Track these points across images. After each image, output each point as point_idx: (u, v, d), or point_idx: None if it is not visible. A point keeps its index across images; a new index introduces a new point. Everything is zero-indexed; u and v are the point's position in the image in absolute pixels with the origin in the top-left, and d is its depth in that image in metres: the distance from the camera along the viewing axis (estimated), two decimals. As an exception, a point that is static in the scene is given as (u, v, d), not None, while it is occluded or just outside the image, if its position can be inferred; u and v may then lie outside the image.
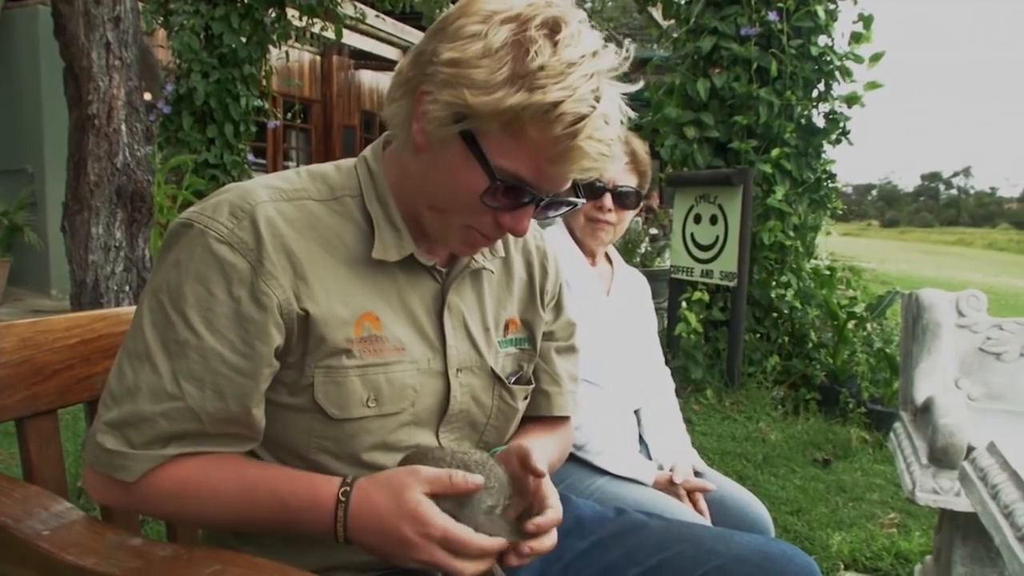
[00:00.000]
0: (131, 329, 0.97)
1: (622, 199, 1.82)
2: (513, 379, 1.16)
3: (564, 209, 1.04)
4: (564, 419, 1.29)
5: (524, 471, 1.00)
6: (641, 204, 1.89)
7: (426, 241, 1.07)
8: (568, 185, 0.99)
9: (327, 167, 1.07)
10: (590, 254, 1.89)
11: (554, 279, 1.26)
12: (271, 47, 6.77)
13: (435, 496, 0.91)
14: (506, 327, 1.17)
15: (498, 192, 0.94)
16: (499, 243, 1.18)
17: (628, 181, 1.84)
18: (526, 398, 1.20)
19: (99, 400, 1.00)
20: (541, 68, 0.88)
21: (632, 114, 0.99)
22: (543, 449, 1.16)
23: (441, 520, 0.89)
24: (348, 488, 0.93)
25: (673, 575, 1.10)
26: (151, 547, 0.91)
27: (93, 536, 0.93)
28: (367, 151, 1.09)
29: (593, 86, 0.90)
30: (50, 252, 6.95)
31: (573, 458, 1.67)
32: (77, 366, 1.17)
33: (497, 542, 0.93)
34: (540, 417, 1.26)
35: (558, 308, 1.27)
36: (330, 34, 7.44)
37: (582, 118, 0.88)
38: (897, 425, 2.18)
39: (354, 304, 0.99)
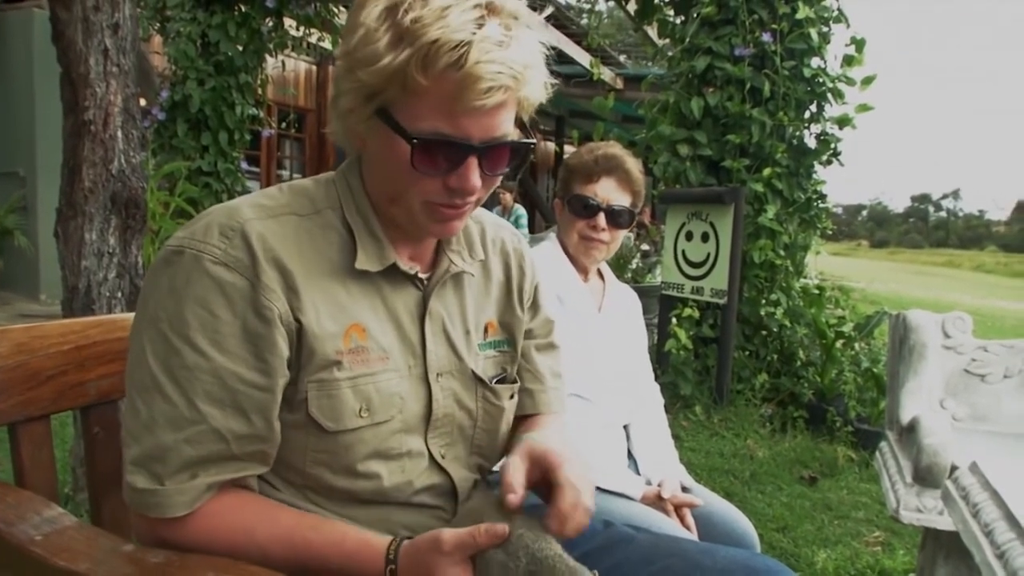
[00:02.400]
0: (132, 364, 0.97)
1: (615, 218, 1.84)
2: (495, 380, 1.17)
3: (514, 158, 1.03)
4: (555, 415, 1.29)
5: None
6: (634, 221, 1.92)
7: (408, 248, 1.09)
8: (503, 129, 0.98)
9: (307, 182, 1.09)
10: (583, 271, 1.91)
11: (531, 279, 1.27)
12: (267, 56, 6.79)
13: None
14: (485, 330, 1.19)
15: (424, 154, 0.95)
16: (478, 245, 1.19)
17: (622, 200, 1.86)
18: (512, 396, 1.21)
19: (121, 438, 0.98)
20: (416, 20, 0.89)
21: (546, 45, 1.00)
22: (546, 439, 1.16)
23: None
24: (394, 567, 0.93)
25: (660, 588, 1.12)
26: (143, 553, 0.92)
27: (86, 542, 0.94)
28: (344, 165, 1.11)
29: (472, 16, 0.90)
30: (40, 256, 6.93)
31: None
32: (71, 372, 1.17)
33: None
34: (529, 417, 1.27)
35: (535, 307, 1.28)
36: (327, 44, 7.47)
37: (462, 44, 0.89)
38: (883, 444, 2.20)
39: (342, 316, 1.01)
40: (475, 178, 0.98)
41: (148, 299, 0.97)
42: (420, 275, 1.09)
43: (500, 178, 1.05)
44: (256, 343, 0.94)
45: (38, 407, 1.12)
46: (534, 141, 1.06)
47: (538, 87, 1.00)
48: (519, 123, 1.04)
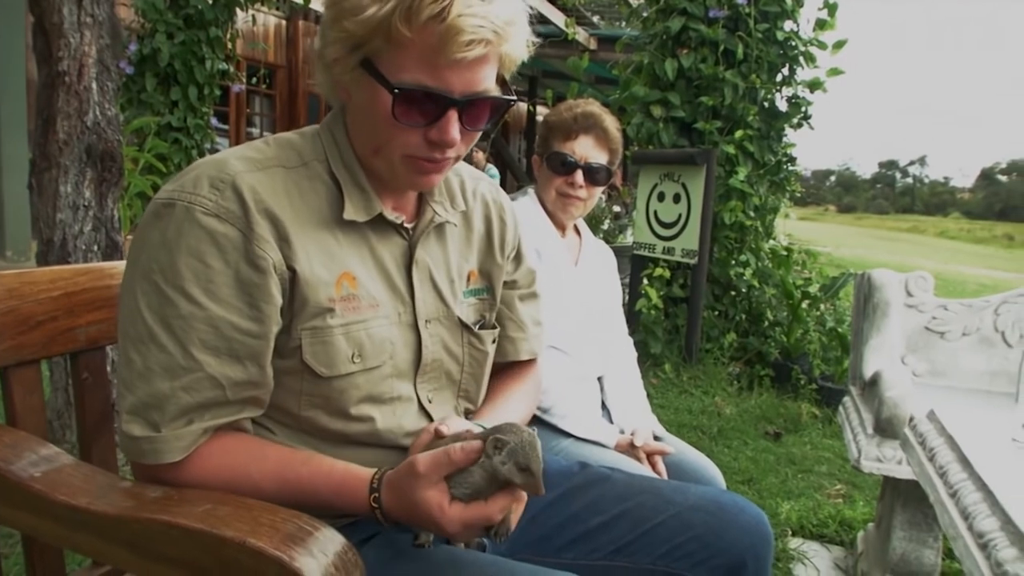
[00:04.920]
0: (125, 317, 0.98)
1: (593, 175, 1.88)
2: (477, 327, 1.22)
3: (494, 113, 1.05)
4: (531, 362, 1.36)
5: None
6: (611, 179, 1.96)
7: (392, 199, 1.12)
8: (484, 84, 1.01)
9: (292, 135, 1.11)
10: (560, 226, 1.95)
11: (513, 230, 1.30)
12: (237, 9, 6.66)
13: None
14: (468, 278, 1.23)
15: (406, 105, 0.98)
16: (459, 196, 1.22)
17: (599, 158, 1.90)
18: (494, 341, 1.25)
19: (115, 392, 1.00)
20: None
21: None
22: (508, 410, 1.23)
23: (452, 514, 0.94)
24: (378, 494, 0.97)
25: (634, 523, 1.18)
26: (142, 489, 0.95)
27: (84, 478, 0.96)
28: (328, 118, 1.13)
29: None
30: (5, 212, 6.78)
31: (539, 421, 1.73)
32: (61, 318, 1.18)
33: (506, 497, 0.96)
34: (508, 364, 1.32)
35: (518, 258, 1.32)
36: (298, -1, 7.35)
37: None
38: (846, 399, 2.29)
39: (333, 265, 1.04)
40: (455, 131, 1.00)
41: (139, 252, 0.98)
42: (405, 225, 1.12)
43: (479, 134, 1.08)
44: (250, 292, 0.97)
45: (29, 352, 1.14)
46: (514, 98, 1.08)
47: (520, 45, 1.03)
48: (500, 80, 1.07)
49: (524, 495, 0.99)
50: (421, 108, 0.98)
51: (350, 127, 1.09)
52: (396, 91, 0.96)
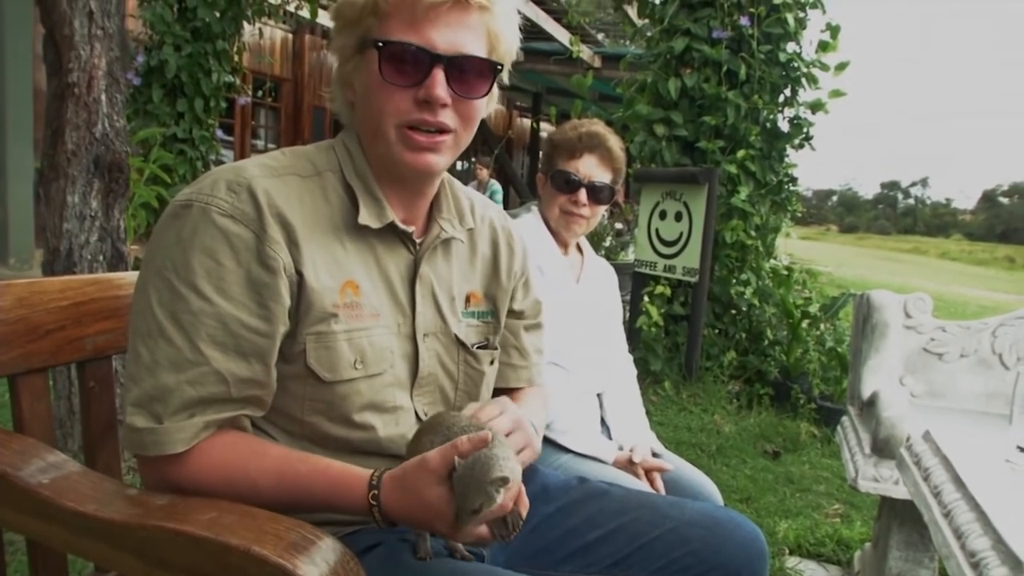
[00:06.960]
0: (136, 313, 1.00)
1: (596, 194, 1.91)
2: (477, 347, 1.24)
3: (482, 82, 1.08)
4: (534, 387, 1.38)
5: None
6: (614, 197, 1.98)
7: (402, 209, 1.14)
8: (469, 49, 1.05)
9: (308, 148, 1.15)
10: (563, 244, 1.97)
11: (521, 259, 1.33)
12: (245, 23, 6.73)
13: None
14: (467, 300, 1.24)
15: (391, 62, 1.03)
16: (468, 215, 1.24)
17: (603, 177, 1.92)
18: (493, 362, 1.27)
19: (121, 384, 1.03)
20: None
21: None
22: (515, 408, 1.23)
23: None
24: (377, 491, 0.97)
25: (631, 537, 1.20)
26: (148, 497, 0.96)
27: (91, 485, 0.98)
28: (343, 132, 1.17)
29: None
30: (10, 220, 6.80)
31: (539, 436, 1.75)
32: (69, 327, 1.20)
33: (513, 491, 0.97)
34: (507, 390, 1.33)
35: (527, 287, 1.35)
36: (305, 13, 7.41)
37: None
38: (844, 419, 2.30)
39: (339, 272, 1.06)
40: (440, 89, 1.04)
41: (155, 251, 1.00)
42: (414, 238, 1.15)
43: (474, 113, 1.10)
44: (260, 291, 0.99)
45: (38, 360, 1.16)
46: (501, 64, 1.11)
47: (508, 25, 1.09)
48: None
49: (526, 500, 1.00)
50: (407, 65, 1.03)
51: (358, 126, 1.13)
52: (380, 45, 1.02)
